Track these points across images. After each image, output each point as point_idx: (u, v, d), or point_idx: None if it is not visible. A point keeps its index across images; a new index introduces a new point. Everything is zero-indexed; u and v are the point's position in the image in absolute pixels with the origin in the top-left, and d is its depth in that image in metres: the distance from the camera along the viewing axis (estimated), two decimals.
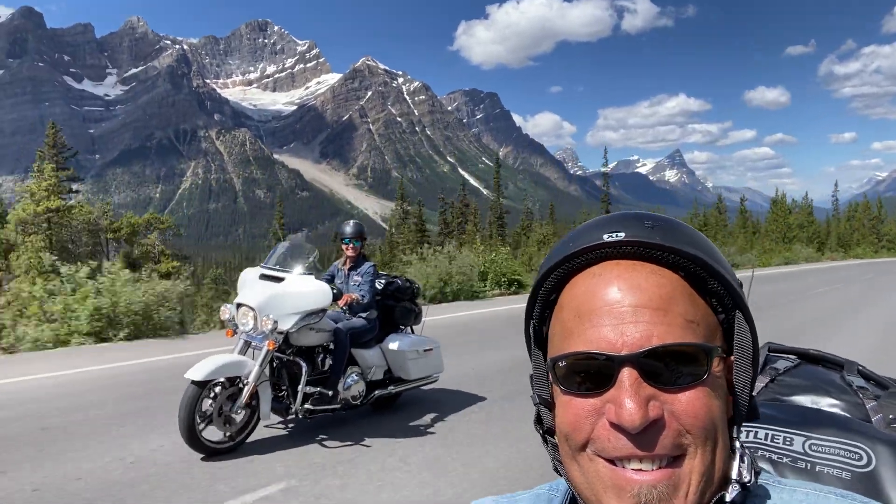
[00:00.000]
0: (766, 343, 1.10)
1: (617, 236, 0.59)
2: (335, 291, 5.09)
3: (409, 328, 6.12)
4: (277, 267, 5.21)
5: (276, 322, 4.68)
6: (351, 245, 5.62)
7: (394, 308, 5.93)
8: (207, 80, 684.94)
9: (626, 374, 0.55)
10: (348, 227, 5.70)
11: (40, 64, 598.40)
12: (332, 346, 5.24)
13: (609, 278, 0.59)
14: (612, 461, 0.56)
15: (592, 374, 0.57)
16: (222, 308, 5.01)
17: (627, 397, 0.54)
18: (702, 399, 0.56)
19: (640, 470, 0.55)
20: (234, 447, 4.59)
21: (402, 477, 4.24)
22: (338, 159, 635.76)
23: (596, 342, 0.56)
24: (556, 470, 0.65)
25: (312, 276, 5.09)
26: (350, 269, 5.68)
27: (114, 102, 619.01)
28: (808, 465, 0.76)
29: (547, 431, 0.66)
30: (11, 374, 7.29)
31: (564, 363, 0.58)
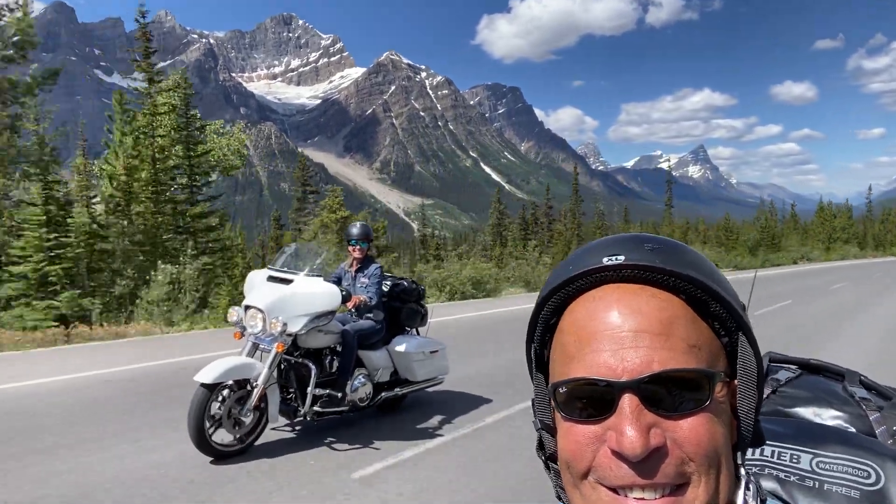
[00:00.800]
0: (767, 353, 1.10)
1: (616, 259, 0.59)
2: (344, 293, 5.06)
3: (414, 330, 6.11)
4: (285, 269, 5.18)
5: (285, 324, 4.67)
6: (357, 247, 5.61)
7: (400, 310, 5.91)
8: (233, 74, 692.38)
9: (627, 401, 0.54)
10: (355, 229, 5.67)
11: (72, 58, 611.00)
12: (339, 348, 5.24)
13: (609, 302, 0.58)
14: (614, 490, 0.55)
15: (593, 400, 0.56)
16: (230, 310, 4.98)
17: (628, 424, 0.53)
18: (705, 426, 0.55)
19: (643, 499, 0.54)
20: (243, 450, 4.59)
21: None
22: (361, 153, 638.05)
23: (596, 368, 0.56)
24: (559, 497, 0.65)
25: (321, 278, 5.07)
26: (357, 271, 5.67)
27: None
28: (817, 483, 0.75)
29: (549, 457, 0.65)
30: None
31: (565, 389, 0.58)
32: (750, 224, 60.89)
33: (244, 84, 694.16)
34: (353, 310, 5.48)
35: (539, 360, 0.66)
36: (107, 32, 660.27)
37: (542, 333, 0.65)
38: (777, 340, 9.20)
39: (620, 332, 0.56)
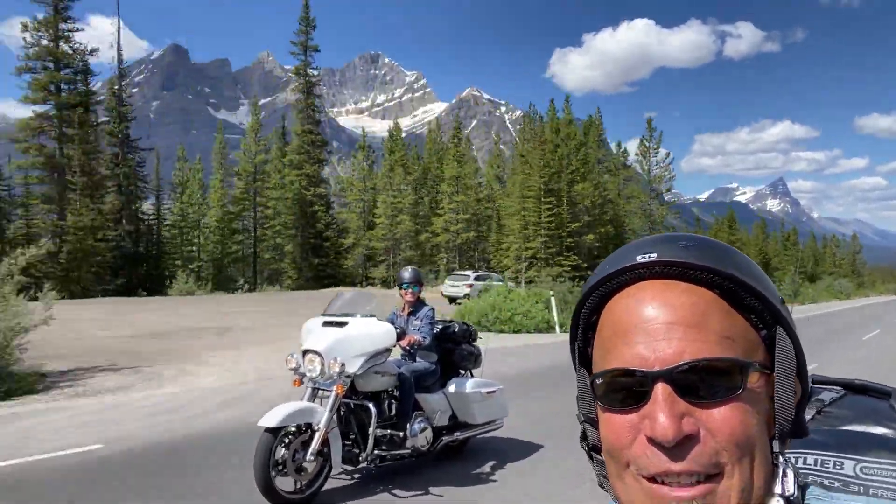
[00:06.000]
0: (810, 375, 1.01)
1: (649, 257, 0.62)
2: (398, 331, 5.11)
3: (469, 371, 6.04)
4: (340, 313, 5.28)
5: (343, 364, 4.69)
6: (409, 290, 5.68)
7: (453, 351, 5.88)
8: (326, 109, 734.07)
9: (660, 390, 0.57)
10: (406, 273, 5.76)
11: (189, 96, 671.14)
12: (396, 392, 5.24)
13: (643, 297, 0.61)
14: (652, 479, 0.57)
15: (629, 390, 0.59)
16: (288, 357, 5.01)
17: (661, 412, 0.56)
18: (737, 415, 0.57)
19: (679, 485, 0.56)
20: (309, 498, 4.50)
21: None
22: None
23: (630, 359, 0.59)
24: (601, 485, 0.68)
25: (375, 318, 5.13)
26: (409, 314, 5.73)
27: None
28: (861, 488, 0.77)
29: (592, 448, 0.69)
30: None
31: (601, 380, 0.61)
32: None
33: (335, 119, 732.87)
34: (407, 348, 5.52)
35: (583, 357, 0.69)
36: (215, 72, 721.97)
37: (584, 331, 0.69)
38: None
39: (654, 324, 0.59)
